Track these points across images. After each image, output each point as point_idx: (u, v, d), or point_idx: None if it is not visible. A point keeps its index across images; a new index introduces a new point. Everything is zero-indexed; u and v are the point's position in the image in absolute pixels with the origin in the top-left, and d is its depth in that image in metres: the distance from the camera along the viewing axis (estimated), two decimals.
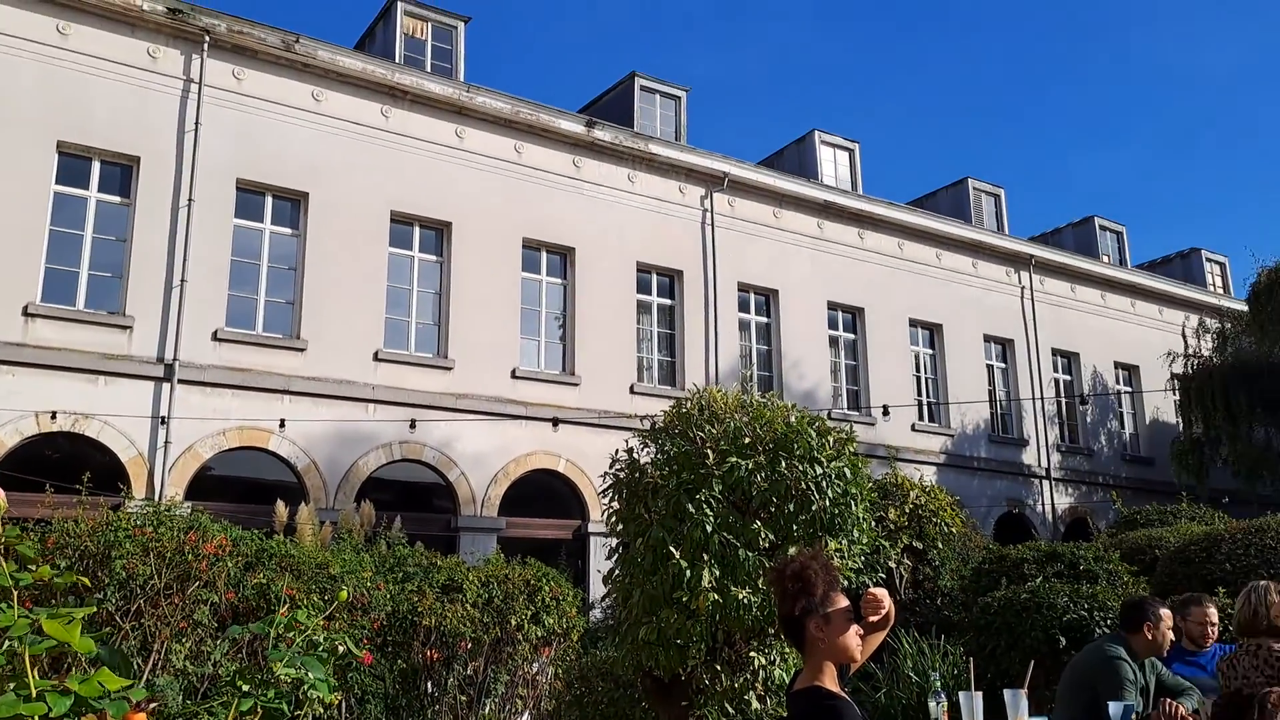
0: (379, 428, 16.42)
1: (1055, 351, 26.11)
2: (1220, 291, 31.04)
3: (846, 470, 8.79)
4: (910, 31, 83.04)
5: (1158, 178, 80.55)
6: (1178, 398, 24.95)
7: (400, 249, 17.47)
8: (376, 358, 16.62)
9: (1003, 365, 25.25)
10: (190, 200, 15.48)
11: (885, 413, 21.09)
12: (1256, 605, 4.86)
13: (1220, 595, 8.70)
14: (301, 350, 16.06)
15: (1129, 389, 27.58)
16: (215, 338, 15.44)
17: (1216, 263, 32.24)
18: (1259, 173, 78.22)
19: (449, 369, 17.22)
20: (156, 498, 13.58)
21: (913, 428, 22.82)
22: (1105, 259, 28.84)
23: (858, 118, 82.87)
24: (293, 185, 16.55)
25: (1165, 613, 5.31)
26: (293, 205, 16.73)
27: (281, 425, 15.54)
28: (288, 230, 16.62)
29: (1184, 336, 26.89)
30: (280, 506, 12.98)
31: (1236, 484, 24.22)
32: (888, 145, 75.36)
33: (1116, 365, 27.25)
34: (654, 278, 20.15)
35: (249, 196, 16.35)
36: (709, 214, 20.77)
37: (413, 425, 16.53)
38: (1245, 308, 25.15)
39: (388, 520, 13.60)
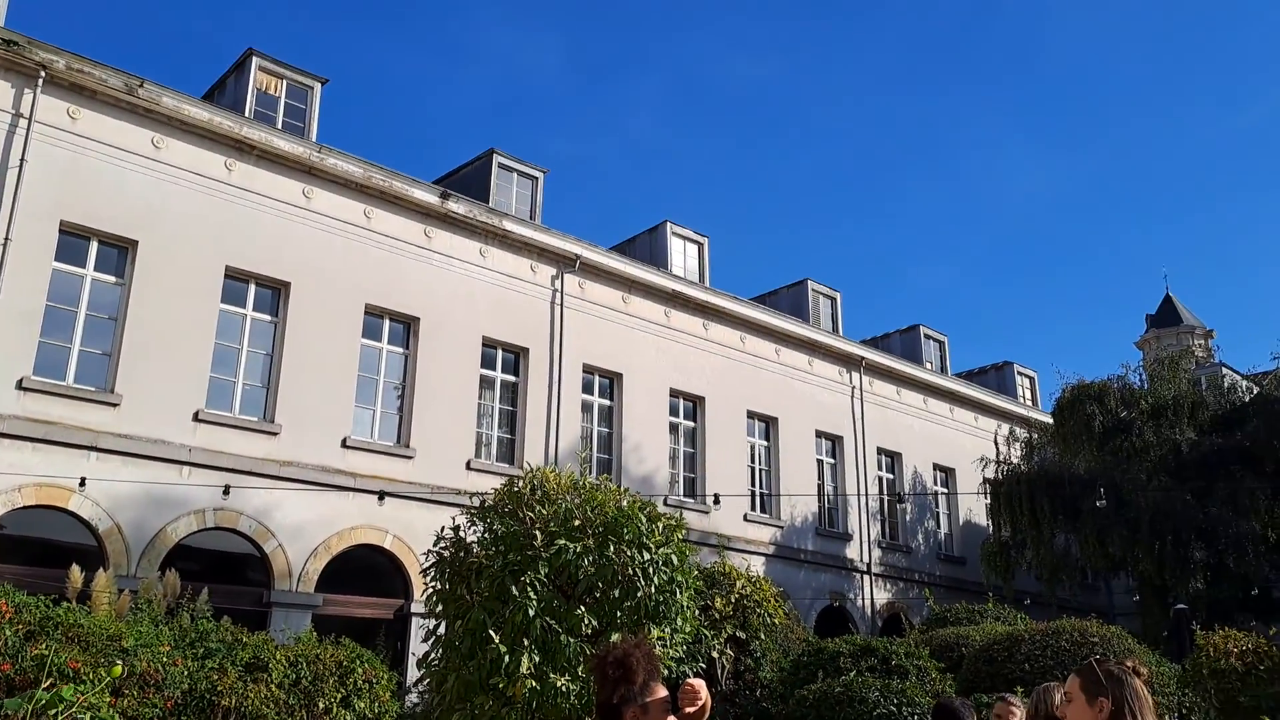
0: (192, 492, 15.52)
1: (880, 450, 27.23)
2: (1029, 403, 33.21)
3: (674, 557, 8.86)
4: (761, 138, 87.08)
5: (976, 293, 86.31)
6: (989, 501, 26.35)
7: (233, 306, 16.80)
8: (196, 418, 15.78)
9: (832, 461, 26.14)
10: (7, 239, 14.50)
11: (716, 501, 21.43)
12: (1037, 703, 5.31)
13: (1019, 694, 9.12)
14: (115, 405, 15.11)
15: (945, 490, 28.97)
16: (20, 386, 14.35)
17: (1027, 376, 34.55)
18: (1066, 295, 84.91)
19: (274, 434, 16.52)
20: None
21: (745, 518, 23.25)
22: (929, 365, 30.49)
23: (709, 213, 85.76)
24: (122, 232, 15.75)
25: None
26: (120, 252, 15.89)
27: (82, 484, 14.47)
28: (111, 278, 15.75)
29: (996, 444, 28.54)
30: (75, 572, 12.00)
31: (1039, 586, 25.63)
32: (735, 242, 78.20)
33: (935, 467, 28.63)
34: (499, 353, 20.03)
35: (72, 240, 15.44)
36: (559, 294, 20.90)
37: (226, 491, 15.68)
38: (1051, 420, 26.95)
39: (193, 591, 12.80)
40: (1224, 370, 28.92)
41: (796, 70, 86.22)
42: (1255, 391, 25.63)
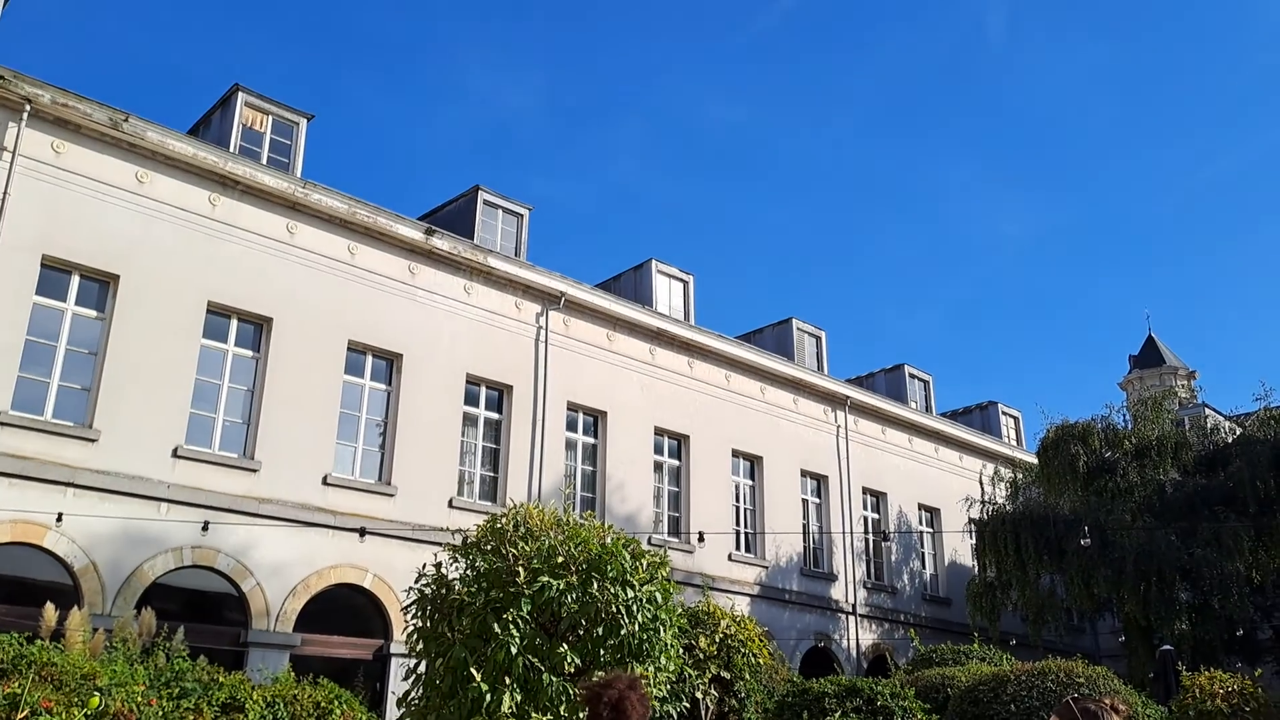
0: (170, 529, 15.29)
1: (866, 490, 27.16)
2: (1014, 443, 33.26)
3: (658, 595, 8.77)
4: (744, 179, 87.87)
5: (961, 333, 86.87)
6: (974, 541, 26.27)
7: (214, 341, 16.68)
8: (175, 454, 15.60)
9: (817, 500, 26.05)
10: None
11: (700, 539, 21.29)
12: None
13: None
14: (93, 440, 14.92)
15: (930, 530, 28.89)
16: None
17: (1011, 416, 34.64)
18: (1049, 336, 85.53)
19: (254, 470, 16.34)
20: None
21: (729, 557, 23.08)
22: (913, 405, 30.52)
23: (693, 252, 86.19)
24: (104, 266, 15.65)
25: None
26: (101, 287, 15.79)
27: (59, 520, 14.25)
28: (93, 313, 15.63)
29: (981, 483, 28.51)
30: (49, 610, 11.78)
31: (1024, 628, 25.48)
32: (720, 280, 78.52)
33: (920, 506, 28.57)
34: (483, 390, 19.94)
35: (54, 274, 15.33)
36: (544, 331, 20.87)
37: (205, 528, 15.47)
38: (1035, 460, 26.96)
39: (169, 630, 12.59)
40: (1207, 411, 29.07)
41: (777, 114, 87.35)
42: (1238, 432, 25.74)
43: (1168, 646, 19.48)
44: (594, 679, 3.66)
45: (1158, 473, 24.34)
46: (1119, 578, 22.32)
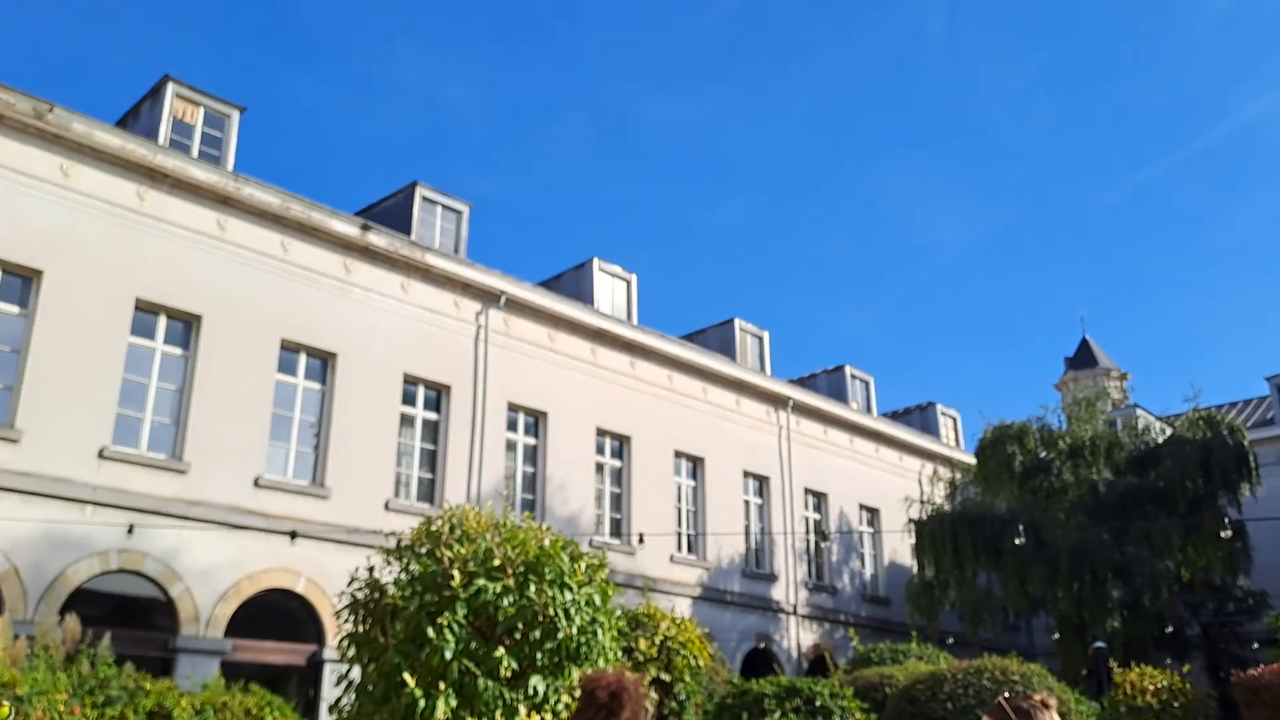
0: (95, 532, 14.79)
1: (807, 490, 27.31)
2: (953, 444, 33.71)
3: (596, 597, 8.64)
4: (688, 180, 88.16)
5: (901, 335, 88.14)
6: (913, 541, 26.55)
7: (142, 339, 16.18)
8: (101, 455, 15.10)
9: (759, 501, 26.12)
10: None
11: (641, 540, 21.19)
12: None
13: None
14: (15, 441, 14.38)
15: (871, 530, 29.15)
16: None
17: (950, 417, 35.11)
18: (988, 338, 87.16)
19: (183, 472, 15.88)
20: None
21: (671, 559, 23.03)
22: (855, 405, 30.77)
23: (637, 251, 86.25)
24: (25, 261, 15.09)
25: None
26: (24, 282, 15.22)
27: None
28: (15, 309, 15.07)
29: (920, 483, 28.83)
30: None
31: (962, 626, 25.82)
32: (664, 280, 78.67)
33: (861, 507, 28.80)
34: (421, 390, 19.63)
35: None
36: (483, 330, 20.61)
37: (130, 531, 14.98)
38: (973, 460, 27.34)
39: (94, 637, 12.18)
40: (1138, 412, 29.73)
41: (720, 114, 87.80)
42: (1168, 433, 26.35)
43: (1100, 644, 19.88)
44: (588, 673, 3.67)
45: (1091, 473, 24.82)
46: (1053, 576, 22.71)
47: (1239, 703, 12.73)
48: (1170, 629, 24.00)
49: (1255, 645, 24.52)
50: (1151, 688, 14.55)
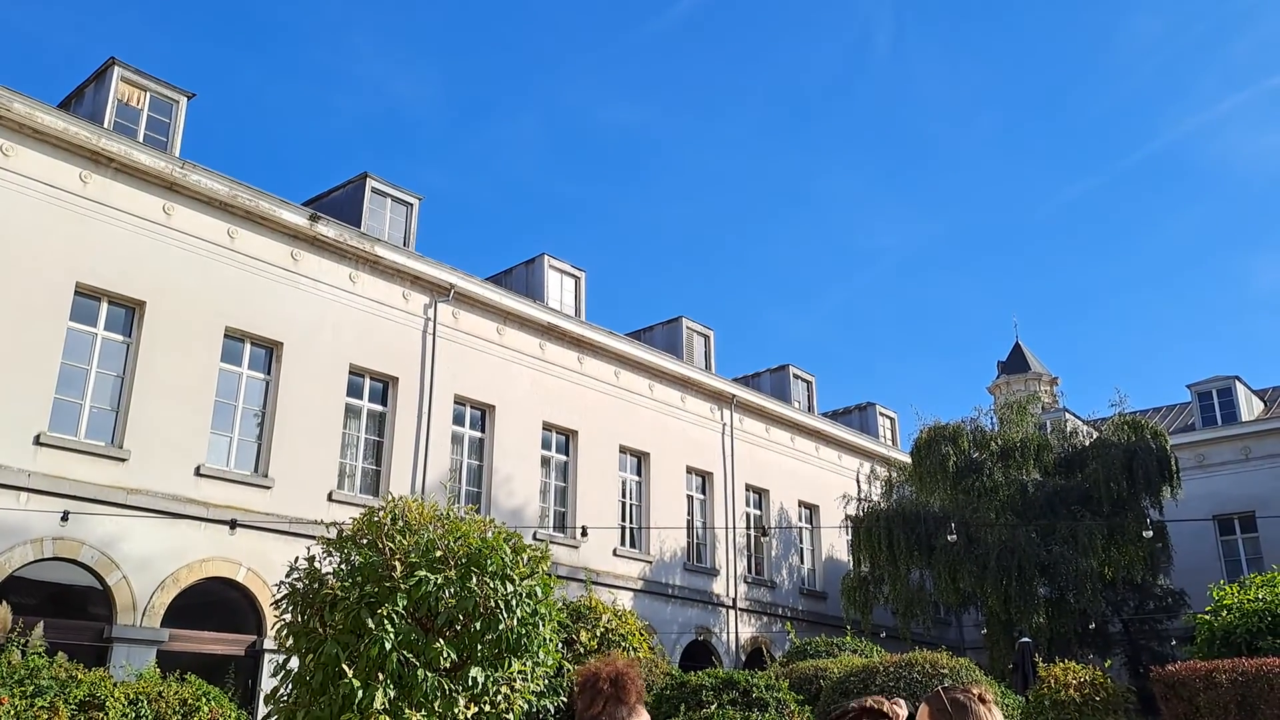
0: (30, 520, 14.59)
1: (749, 487, 27.70)
2: (890, 443, 34.36)
3: (538, 589, 8.81)
4: (638, 179, 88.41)
5: (842, 336, 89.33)
6: (850, 538, 27.07)
7: (82, 325, 15.97)
8: (38, 441, 14.89)
9: (702, 497, 26.44)
10: None
11: (584, 534, 21.38)
12: None
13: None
14: None
15: (810, 526, 29.65)
16: None
17: (888, 417, 35.77)
18: (925, 341, 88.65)
19: (123, 460, 15.72)
20: None
21: (614, 553, 23.25)
22: (797, 404, 31.24)
23: (587, 248, 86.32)
24: None
25: None
26: None
27: None
28: None
29: (858, 481, 29.37)
30: None
31: (895, 620, 26.40)
32: (613, 278, 78.84)
33: (801, 503, 29.27)
34: (367, 382, 19.60)
35: None
36: (431, 324, 20.62)
37: (65, 518, 14.79)
38: (909, 460, 27.93)
39: (26, 626, 12.04)
40: (1067, 415, 30.57)
41: (670, 115, 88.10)
42: (1094, 436, 27.14)
43: (1026, 639, 20.47)
44: (588, 663, 3.61)
45: (1021, 473, 25.50)
46: (983, 573, 23.34)
47: (1157, 697, 13.24)
48: (1093, 625, 24.76)
49: (1173, 642, 25.43)
50: (1074, 682, 15.02)
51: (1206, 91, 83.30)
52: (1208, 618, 15.06)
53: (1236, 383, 31.26)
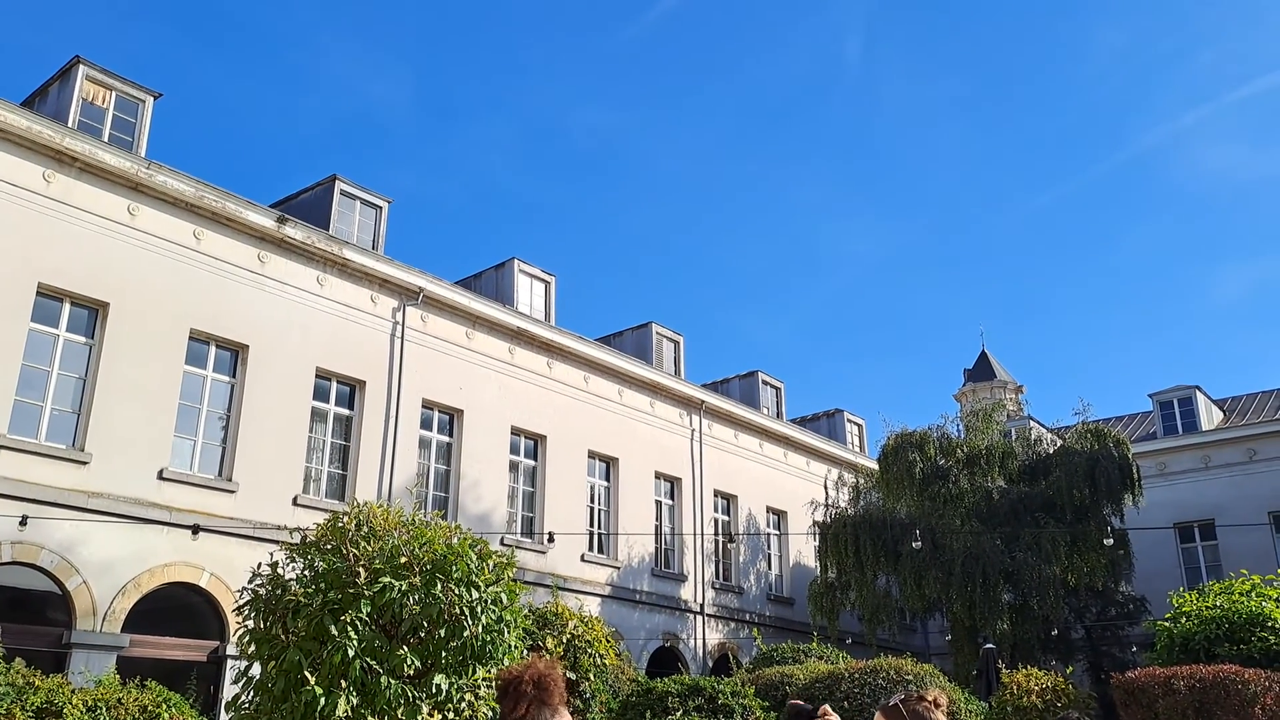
0: None
1: (717, 492, 27.76)
2: (858, 449, 34.58)
3: (503, 595, 8.78)
4: (609, 184, 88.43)
5: (811, 343, 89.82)
6: (817, 544, 27.20)
7: (44, 326, 15.75)
8: None
9: (670, 502, 26.47)
10: None
11: (551, 539, 21.34)
12: None
13: None
14: None
15: (777, 532, 29.76)
16: None
17: (856, 424, 35.98)
18: (893, 348, 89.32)
19: (84, 463, 15.51)
20: None
21: (582, 558, 23.22)
22: (765, 410, 31.37)
23: (557, 252, 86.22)
24: None
25: None
26: None
27: None
28: None
29: (826, 488, 29.53)
30: None
31: (861, 626, 26.55)
32: (583, 283, 78.82)
33: (769, 509, 29.38)
34: (334, 385, 19.46)
35: None
36: (400, 327, 20.52)
37: (23, 522, 14.55)
38: (876, 466, 28.11)
39: None
40: (1031, 423, 30.89)
41: (642, 121, 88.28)
42: (1058, 444, 27.46)
43: (990, 645, 20.65)
44: (508, 667, 3.58)
45: (986, 480, 25.74)
46: (948, 579, 23.53)
47: (1117, 703, 13.40)
48: (1056, 632, 25.03)
49: (1134, 648, 25.80)
50: (1037, 688, 15.18)
51: (1171, 104, 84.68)
52: (1167, 624, 15.26)
53: (1197, 392, 31.73)
